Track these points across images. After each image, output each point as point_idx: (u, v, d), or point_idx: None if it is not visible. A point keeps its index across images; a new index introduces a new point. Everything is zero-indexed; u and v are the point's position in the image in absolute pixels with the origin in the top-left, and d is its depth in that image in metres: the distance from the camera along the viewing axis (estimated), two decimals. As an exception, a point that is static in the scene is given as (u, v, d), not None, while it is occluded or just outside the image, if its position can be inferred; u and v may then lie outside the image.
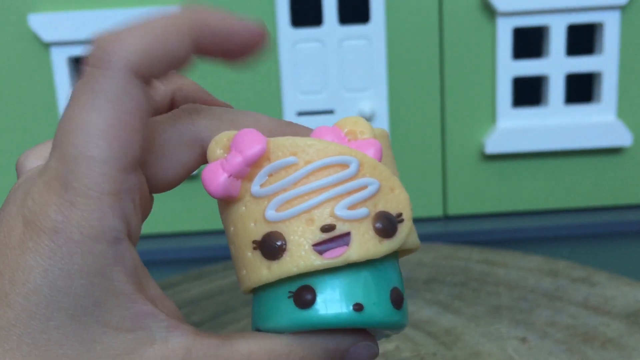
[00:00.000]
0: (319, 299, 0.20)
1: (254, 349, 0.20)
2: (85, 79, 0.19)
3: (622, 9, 0.52)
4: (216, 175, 0.20)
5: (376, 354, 0.22)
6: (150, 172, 0.21)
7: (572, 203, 0.56)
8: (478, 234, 0.53)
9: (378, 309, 0.20)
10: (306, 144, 0.20)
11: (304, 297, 0.20)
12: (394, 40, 0.53)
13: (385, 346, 0.35)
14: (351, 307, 0.20)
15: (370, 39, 0.53)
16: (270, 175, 0.20)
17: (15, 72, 0.53)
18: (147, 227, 0.56)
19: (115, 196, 0.18)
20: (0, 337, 0.18)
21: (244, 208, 0.21)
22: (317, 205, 0.20)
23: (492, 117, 0.54)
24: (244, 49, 0.21)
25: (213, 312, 0.41)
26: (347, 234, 0.20)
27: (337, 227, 0.20)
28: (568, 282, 0.42)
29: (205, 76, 0.49)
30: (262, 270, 0.20)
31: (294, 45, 0.53)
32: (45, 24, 0.51)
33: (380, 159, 0.21)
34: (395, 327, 0.21)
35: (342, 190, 0.20)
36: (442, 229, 0.55)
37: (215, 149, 0.21)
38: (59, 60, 0.52)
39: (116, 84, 0.19)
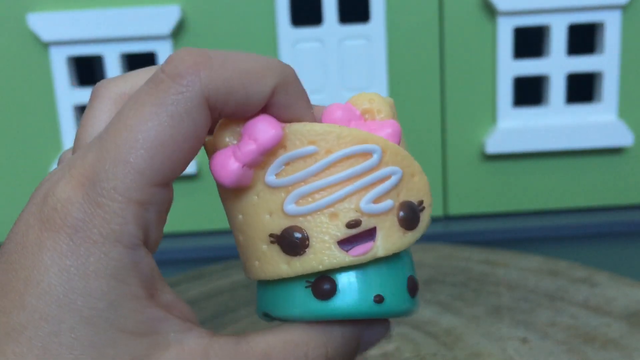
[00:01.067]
0: (339, 290, 0.19)
1: (271, 342, 0.19)
2: (155, 85, 0.18)
3: (623, 8, 0.52)
4: (227, 163, 0.19)
5: (389, 330, 0.22)
6: None
7: (573, 203, 0.56)
8: (478, 234, 0.53)
9: (397, 300, 0.20)
10: (325, 130, 0.19)
11: (324, 288, 0.19)
12: (394, 40, 0.53)
13: (386, 347, 0.35)
14: (372, 299, 0.19)
15: (370, 39, 0.52)
16: (286, 164, 0.19)
17: (14, 72, 0.53)
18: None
19: (141, 206, 0.18)
20: (11, 340, 0.17)
21: (256, 197, 0.20)
22: (341, 199, 0.19)
23: (492, 117, 0.54)
24: None
25: (213, 312, 0.41)
26: (373, 229, 0.19)
27: (363, 222, 0.19)
28: (569, 282, 0.41)
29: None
30: (280, 265, 0.19)
31: (294, 44, 0.52)
32: (45, 24, 0.51)
33: (399, 142, 0.21)
34: (409, 315, 0.21)
35: (366, 182, 0.19)
36: (442, 229, 0.54)
37: (224, 136, 0.20)
38: (58, 60, 0.52)
39: (184, 103, 0.18)
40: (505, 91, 0.53)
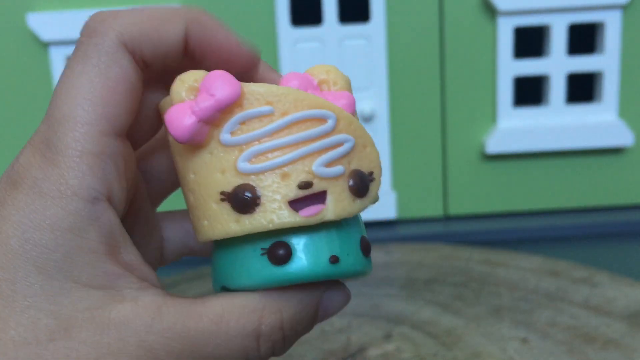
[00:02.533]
0: (294, 254, 0.19)
1: (226, 306, 0.20)
2: (77, 48, 0.20)
3: (624, 8, 0.52)
4: (183, 117, 0.19)
5: (348, 297, 0.22)
6: (132, 138, 0.21)
7: (573, 203, 0.56)
8: (479, 234, 0.53)
9: (352, 260, 0.20)
10: (282, 92, 0.20)
11: (279, 253, 0.19)
12: (394, 40, 0.53)
13: (386, 346, 0.35)
14: (327, 260, 0.19)
15: (370, 39, 0.52)
16: (242, 123, 0.19)
17: (14, 72, 0.53)
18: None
19: (96, 157, 0.19)
20: None
21: (209, 155, 0.20)
22: (294, 160, 0.19)
23: (492, 117, 0.54)
24: (230, 63, 0.21)
25: (212, 313, 0.41)
26: (324, 192, 0.19)
27: (314, 184, 0.19)
28: (569, 282, 0.41)
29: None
30: (229, 224, 0.19)
31: (294, 44, 0.52)
32: (44, 23, 0.51)
33: (353, 113, 0.21)
34: (365, 275, 0.21)
35: (319, 146, 0.19)
36: (442, 229, 0.54)
37: (181, 90, 0.20)
38: (58, 60, 0.52)
39: (105, 51, 0.19)
40: (505, 91, 0.53)
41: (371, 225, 0.55)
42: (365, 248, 0.21)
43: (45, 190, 0.18)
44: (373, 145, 0.21)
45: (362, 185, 0.20)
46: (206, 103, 0.19)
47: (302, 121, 0.19)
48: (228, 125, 0.19)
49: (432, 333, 0.36)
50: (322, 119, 0.20)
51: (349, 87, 0.22)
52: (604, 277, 0.42)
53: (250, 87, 0.20)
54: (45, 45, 0.52)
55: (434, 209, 0.56)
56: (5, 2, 0.52)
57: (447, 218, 0.57)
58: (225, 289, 0.21)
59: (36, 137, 0.19)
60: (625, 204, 0.56)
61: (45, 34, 0.51)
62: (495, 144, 0.53)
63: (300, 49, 0.52)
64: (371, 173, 0.21)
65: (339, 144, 0.20)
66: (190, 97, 0.19)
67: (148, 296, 0.19)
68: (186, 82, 0.20)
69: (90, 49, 0.19)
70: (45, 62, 0.52)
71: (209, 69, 0.21)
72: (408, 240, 0.53)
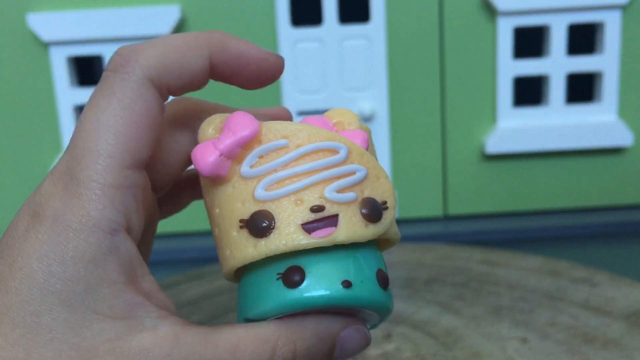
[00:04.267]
0: (308, 277, 0.20)
1: (241, 335, 0.20)
2: (103, 82, 0.20)
3: (623, 8, 0.52)
4: (207, 153, 0.20)
5: (368, 341, 0.22)
6: (152, 171, 0.22)
7: (573, 203, 0.56)
8: (478, 234, 0.53)
9: (366, 287, 0.20)
10: (297, 128, 0.21)
11: (293, 276, 0.20)
12: (394, 40, 0.53)
13: (385, 346, 0.35)
14: (340, 285, 0.20)
15: (370, 39, 0.52)
16: (260, 157, 0.21)
17: (14, 72, 0.53)
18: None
19: (116, 190, 0.19)
20: None
21: (231, 189, 0.21)
22: (307, 187, 0.20)
23: (492, 117, 0.54)
24: (259, 76, 0.23)
25: (213, 313, 0.41)
26: (335, 216, 0.20)
27: (326, 208, 0.20)
28: (569, 282, 0.41)
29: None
30: (247, 249, 0.20)
31: (293, 44, 0.52)
32: (45, 24, 0.51)
33: (367, 149, 0.22)
34: (383, 309, 0.21)
35: (331, 174, 0.20)
36: (442, 229, 0.54)
37: (208, 129, 0.21)
38: (58, 60, 0.52)
39: (130, 87, 0.20)
40: (505, 91, 0.53)
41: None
42: (382, 279, 0.21)
43: (67, 223, 0.19)
44: (387, 177, 0.22)
45: (374, 211, 0.21)
46: (228, 140, 0.20)
47: (316, 152, 0.21)
48: (248, 159, 0.21)
49: (432, 333, 0.36)
50: (334, 150, 0.21)
51: (362, 127, 0.23)
52: (604, 277, 0.42)
53: (269, 125, 0.21)
54: (46, 45, 0.52)
55: (434, 209, 0.56)
56: (5, 2, 0.52)
57: (447, 218, 0.57)
58: (248, 321, 0.21)
59: (59, 167, 0.20)
60: (625, 204, 0.56)
61: (45, 34, 0.51)
62: (495, 144, 0.54)
63: (300, 49, 0.52)
64: (384, 202, 0.21)
65: (351, 172, 0.21)
66: (215, 135, 0.21)
67: (167, 325, 0.20)
68: (212, 123, 0.22)
69: (116, 83, 0.20)
70: (46, 62, 0.52)
71: (240, 85, 0.23)
72: (408, 240, 0.53)
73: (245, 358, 0.20)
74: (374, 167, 0.21)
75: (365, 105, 0.53)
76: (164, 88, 0.21)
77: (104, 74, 0.20)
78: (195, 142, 0.23)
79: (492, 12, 0.52)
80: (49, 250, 0.19)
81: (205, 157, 0.20)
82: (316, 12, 0.53)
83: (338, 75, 0.53)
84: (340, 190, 0.20)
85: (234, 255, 0.21)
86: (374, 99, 0.54)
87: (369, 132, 0.23)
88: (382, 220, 0.21)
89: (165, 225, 0.57)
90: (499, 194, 0.56)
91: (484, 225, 0.54)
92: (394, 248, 0.50)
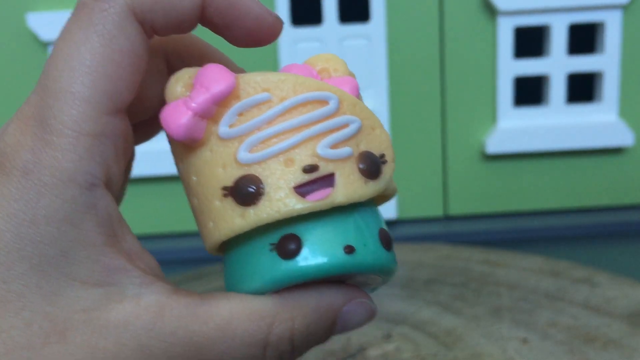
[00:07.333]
0: (306, 245, 0.18)
1: (236, 310, 0.18)
2: (79, 11, 0.18)
3: (624, 8, 0.52)
4: (179, 114, 0.18)
5: (374, 312, 0.20)
6: (129, 112, 0.19)
7: (574, 203, 0.56)
8: (479, 234, 0.53)
9: (369, 250, 0.18)
10: (280, 79, 0.18)
11: (288, 246, 0.18)
12: (394, 40, 0.53)
13: (385, 347, 0.35)
14: (341, 250, 0.18)
15: (370, 39, 0.52)
16: (240, 114, 0.18)
17: (13, 71, 0.53)
18: (147, 227, 0.56)
19: (94, 138, 0.17)
20: None
21: (209, 153, 0.18)
22: (297, 145, 0.18)
23: (492, 117, 0.54)
24: (252, 34, 0.20)
25: (212, 313, 0.41)
26: (332, 175, 0.18)
27: (321, 167, 0.18)
28: (569, 282, 0.41)
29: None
30: (234, 219, 0.18)
31: (293, 44, 0.52)
32: (44, 23, 0.51)
33: (358, 97, 0.20)
34: (387, 271, 0.19)
35: (323, 129, 0.18)
36: (442, 229, 0.54)
37: (176, 86, 0.19)
38: (58, 60, 0.52)
39: (111, 19, 0.17)
40: (505, 91, 0.53)
41: (371, 225, 0.55)
42: (385, 240, 0.19)
43: (38, 176, 0.16)
44: (382, 127, 0.20)
45: (373, 166, 0.19)
46: (201, 97, 0.18)
47: (303, 104, 0.18)
48: (225, 117, 0.18)
49: (432, 333, 0.36)
50: (323, 101, 0.18)
51: (350, 73, 0.21)
52: (604, 277, 0.42)
53: (246, 77, 0.19)
54: (45, 45, 0.52)
55: (434, 209, 0.56)
56: (5, 2, 0.52)
57: (447, 218, 0.57)
58: None
59: (26, 110, 0.18)
60: (625, 204, 0.56)
61: (45, 34, 0.51)
62: (495, 144, 0.53)
63: (300, 49, 0.52)
64: (382, 155, 0.19)
65: (344, 125, 0.18)
66: (186, 93, 0.19)
67: (151, 294, 0.18)
68: (181, 80, 0.19)
69: (95, 14, 0.17)
70: (45, 62, 0.52)
71: (229, 39, 0.20)
72: (408, 240, 0.53)
73: (237, 337, 0.18)
74: (369, 117, 0.19)
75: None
76: (148, 24, 0.18)
77: (80, 2, 0.18)
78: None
79: (492, 12, 0.52)
80: (18, 209, 0.16)
81: (177, 119, 0.18)
82: (316, 11, 0.53)
83: (338, 75, 0.53)
84: (334, 146, 0.18)
85: (218, 228, 0.18)
86: (374, 99, 0.53)
87: (348, 70, 0.21)
88: (382, 176, 0.19)
89: (165, 226, 0.57)
90: (499, 194, 0.56)
91: (484, 225, 0.54)
92: (395, 248, 0.50)
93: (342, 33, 0.52)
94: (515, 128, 0.53)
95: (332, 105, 0.18)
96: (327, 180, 0.18)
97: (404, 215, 0.56)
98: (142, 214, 0.56)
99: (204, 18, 0.19)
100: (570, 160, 0.55)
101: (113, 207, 0.18)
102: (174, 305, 0.18)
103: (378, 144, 0.19)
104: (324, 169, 0.18)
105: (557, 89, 0.53)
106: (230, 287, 0.19)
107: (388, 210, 0.55)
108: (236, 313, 0.18)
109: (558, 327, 0.36)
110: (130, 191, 0.55)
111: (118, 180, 0.18)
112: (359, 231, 0.18)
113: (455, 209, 0.56)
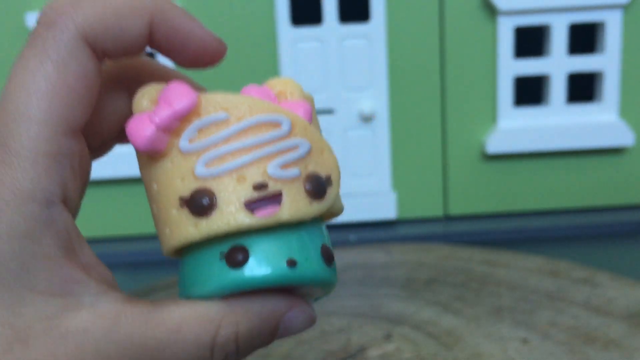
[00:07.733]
0: (252, 256, 0.19)
1: (186, 315, 0.19)
2: (33, 39, 0.19)
3: (624, 8, 0.52)
4: (143, 126, 0.19)
5: (313, 320, 0.22)
6: (88, 135, 0.21)
7: (574, 203, 0.56)
8: (479, 234, 0.53)
9: (311, 265, 0.20)
10: (238, 100, 0.20)
11: (237, 256, 0.19)
12: (394, 40, 0.53)
13: (385, 347, 0.35)
14: (284, 263, 0.19)
15: (370, 38, 0.52)
16: (200, 130, 0.20)
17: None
18: (146, 228, 0.56)
19: (52, 158, 0.18)
20: None
21: (170, 164, 0.20)
22: (249, 163, 0.19)
23: (493, 117, 0.54)
24: (197, 57, 0.21)
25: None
26: (279, 194, 0.19)
27: (270, 185, 0.19)
28: (569, 282, 0.41)
29: (203, 72, 0.49)
30: (188, 228, 0.19)
31: (293, 44, 0.52)
32: (44, 23, 0.51)
33: (310, 121, 0.21)
34: (327, 284, 0.21)
35: (274, 150, 0.20)
36: (442, 229, 0.54)
37: (142, 101, 0.20)
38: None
39: (64, 46, 0.18)
40: (505, 91, 0.53)
41: (371, 225, 0.55)
42: (327, 255, 0.21)
43: (0, 195, 0.18)
44: (331, 150, 0.21)
45: (318, 187, 0.20)
46: (164, 112, 0.19)
47: (257, 126, 0.20)
48: (186, 132, 0.20)
49: (432, 333, 0.36)
50: (276, 124, 0.20)
51: (306, 97, 0.22)
52: (605, 277, 0.41)
53: (208, 96, 0.20)
54: (45, 45, 0.52)
55: (434, 209, 0.56)
56: (4, 1, 0.52)
57: (447, 218, 0.57)
58: (188, 298, 0.21)
59: None
60: (625, 204, 0.56)
61: (45, 34, 0.51)
62: (495, 144, 0.53)
63: (300, 49, 0.52)
64: (329, 177, 0.21)
65: (294, 147, 0.20)
66: (151, 107, 0.20)
67: (107, 303, 0.19)
68: (147, 94, 0.20)
69: (48, 42, 0.18)
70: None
71: (176, 61, 0.21)
72: (408, 240, 0.53)
73: (187, 339, 0.19)
74: (318, 141, 0.21)
75: (366, 105, 0.53)
76: (99, 49, 0.19)
77: (33, 30, 0.19)
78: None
79: (492, 12, 0.52)
80: None
81: (141, 131, 0.19)
82: (316, 11, 0.53)
83: (338, 75, 0.53)
84: (284, 167, 0.20)
85: (174, 235, 0.20)
86: (374, 99, 0.53)
87: (312, 101, 0.22)
88: (327, 196, 0.20)
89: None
90: (500, 194, 0.56)
91: (484, 225, 0.54)
92: (395, 248, 0.50)
93: (342, 33, 0.52)
94: (516, 128, 0.53)
95: (284, 128, 0.20)
96: (276, 198, 0.19)
97: (404, 215, 0.56)
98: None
99: (152, 42, 0.20)
100: (570, 160, 0.55)
101: (70, 222, 0.19)
102: (128, 312, 0.19)
103: (325, 166, 0.21)
104: (273, 188, 0.19)
105: (558, 89, 0.53)
106: (184, 290, 0.21)
107: (388, 210, 0.55)
108: (186, 317, 0.19)
109: (558, 327, 0.36)
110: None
111: (75, 196, 0.19)
112: (303, 246, 0.20)
113: (455, 209, 0.56)
